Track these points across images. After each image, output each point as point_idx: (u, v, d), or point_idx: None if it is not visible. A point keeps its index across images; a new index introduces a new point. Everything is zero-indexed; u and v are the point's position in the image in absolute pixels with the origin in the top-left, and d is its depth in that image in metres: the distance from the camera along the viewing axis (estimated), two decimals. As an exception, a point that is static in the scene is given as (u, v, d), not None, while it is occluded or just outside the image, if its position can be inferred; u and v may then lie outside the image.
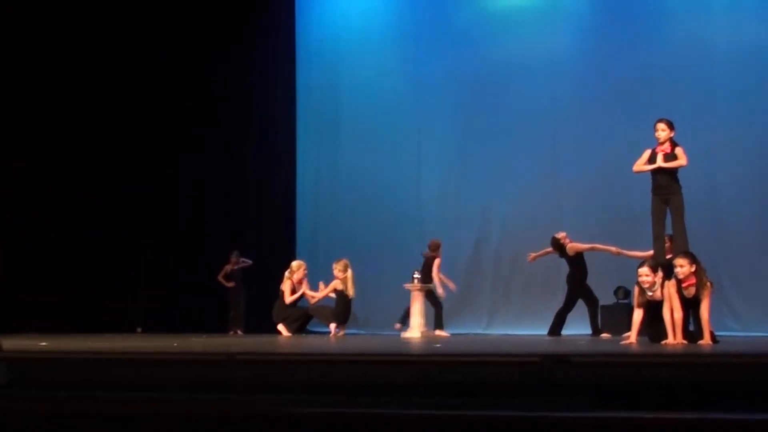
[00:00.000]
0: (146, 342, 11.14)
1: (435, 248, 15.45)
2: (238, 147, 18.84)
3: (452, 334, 15.09)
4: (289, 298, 15.32)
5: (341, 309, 15.09)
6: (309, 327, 15.95)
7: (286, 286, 15.35)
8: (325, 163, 18.62)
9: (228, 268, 17.72)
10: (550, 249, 14.69)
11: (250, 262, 17.77)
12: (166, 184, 18.69)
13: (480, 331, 16.65)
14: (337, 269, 15.05)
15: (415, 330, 14.48)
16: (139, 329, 17.55)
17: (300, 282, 15.41)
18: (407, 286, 14.74)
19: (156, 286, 18.27)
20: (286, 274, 15.46)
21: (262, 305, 16.74)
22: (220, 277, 17.71)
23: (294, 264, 15.60)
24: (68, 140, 17.82)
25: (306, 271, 15.55)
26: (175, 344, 10.00)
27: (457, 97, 17.72)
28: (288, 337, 14.64)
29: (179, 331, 15.95)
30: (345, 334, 15.01)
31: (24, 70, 17.29)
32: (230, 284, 17.69)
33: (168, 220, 18.62)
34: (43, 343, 9.73)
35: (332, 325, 15.02)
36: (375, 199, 17.79)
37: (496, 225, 17.25)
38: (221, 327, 17.23)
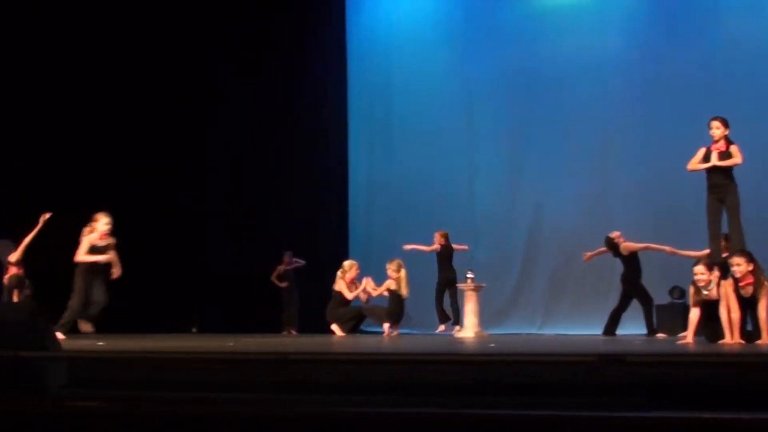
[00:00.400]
0: (202, 342, 11.19)
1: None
2: (290, 147, 18.89)
3: (505, 334, 15.04)
4: (350, 294, 15.33)
5: (395, 309, 15.08)
6: (362, 327, 15.99)
7: (339, 286, 15.37)
8: (377, 162, 18.64)
9: (281, 268, 17.79)
10: (604, 248, 14.59)
11: (302, 262, 17.82)
12: (222, 185, 18.77)
13: (534, 331, 16.59)
14: (390, 269, 15.04)
15: (469, 330, 14.46)
16: (194, 329, 17.66)
17: (352, 282, 15.43)
18: (461, 285, 14.73)
19: (210, 287, 18.35)
20: (339, 273, 15.49)
21: (315, 305, 16.79)
22: (273, 278, 17.79)
23: (346, 264, 15.62)
24: (132, 137, 17.97)
25: (358, 271, 15.56)
26: (231, 344, 10.05)
27: (508, 96, 17.67)
28: (342, 336, 14.66)
29: (233, 332, 16.01)
30: (399, 334, 15.01)
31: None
32: (283, 284, 17.77)
33: (222, 221, 18.71)
34: (101, 343, 9.80)
35: (386, 325, 15.03)
36: (427, 198, 17.77)
37: (548, 225, 17.17)
38: (275, 327, 17.29)
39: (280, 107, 18.95)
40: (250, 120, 18.97)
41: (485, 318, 15.14)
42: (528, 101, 17.43)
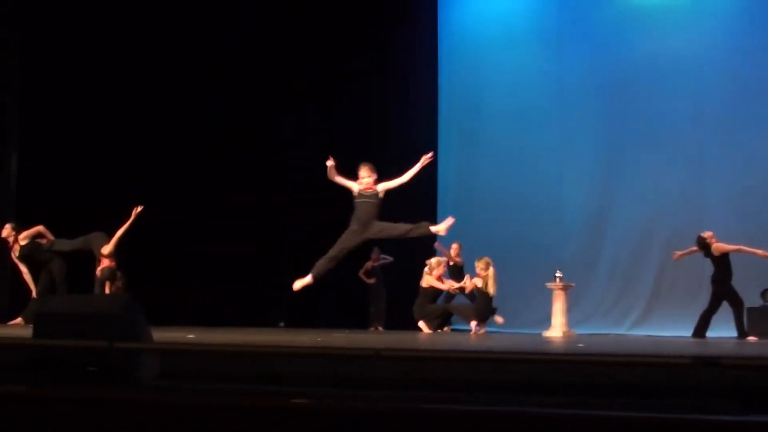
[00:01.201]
0: (291, 336, 11.27)
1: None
2: (379, 145, 18.93)
3: (593, 335, 14.93)
4: (441, 285, 15.34)
5: (482, 307, 15.03)
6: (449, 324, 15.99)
7: (426, 283, 15.38)
8: (466, 162, 18.60)
9: (369, 265, 17.81)
10: (695, 248, 14.41)
11: (390, 259, 17.83)
12: (309, 183, 18.85)
13: (622, 332, 16.44)
14: (478, 267, 15.00)
15: (557, 329, 14.38)
16: (281, 323, 17.78)
17: (439, 279, 15.42)
18: (549, 285, 14.65)
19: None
20: (425, 270, 15.51)
21: (401, 302, 16.81)
22: (361, 274, 17.82)
23: (433, 261, 15.63)
24: (215, 136, 18.17)
25: (445, 269, 15.57)
26: (319, 339, 10.10)
27: (600, 96, 17.54)
28: (429, 334, 14.66)
29: (320, 326, 16.12)
30: (486, 332, 14.96)
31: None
32: (371, 281, 17.79)
33: (310, 218, 18.79)
34: (191, 336, 9.91)
35: (473, 323, 14.99)
36: (516, 198, 17.70)
37: (637, 225, 17.01)
38: (362, 323, 17.35)
39: (371, 105, 19.00)
40: (340, 125, 19.04)
41: (572, 318, 15.05)
42: (620, 101, 17.30)
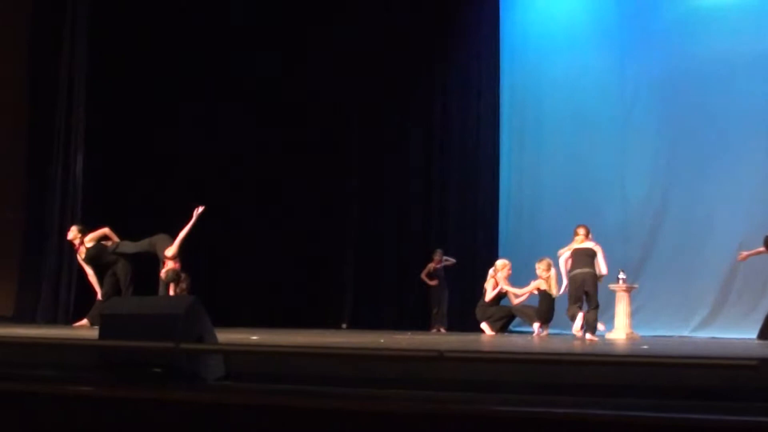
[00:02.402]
0: (354, 338, 11.29)
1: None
2: (441, 146, 18.94)
3: (657, 337, 14.82)
4: (489, 295, 15.30)
5: (545, 308, 14.95)
6: (511, 327, 15.93)
7: (489, 285, 15.35)
8: (528, 162, 18.52)
9: (431, 266, 17.76)
10: (762, 249, 14.26)
11: (453, 260, 17.79)
12: (372, 184, 18.90)
13: (686, 333, 16.27)
14: (540, 268, 14.91)
15: (620, 331, 14.26)
16: (344, 325, 17.81)
17: (504, 281, 15.37)
18: (612, 286, 14.54)
19: (361, 284, 18.52)
20: (490, 272, 15.48)
21: (463, 303, 16.79)
22: (423, 275, 17.77)
23: (498, 263, 15.59)
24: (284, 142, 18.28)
25: (510, 270, 15.52)
26: (382, 340, 10.11)
27: (664, 96, 17.35)
28: (491, 336, 14.63)
29: (382, 328, 16.15)
30: (548, 335, 14.89)
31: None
32: (433, 282, 17.73)
33: (372, 220, 18.84)
34: (255, 337, 9.97)
35: (536, 325, 14.92)
36: (578, 198, 17.56)
37: (701, 225, 16.81)
38: (423, 324, 17.34)
39: (433, 105, 19.01)
40: (404, 125, 19.05)
41: (635, 319, 14.94)
42: (685, 101, 17.08)
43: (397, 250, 18.57)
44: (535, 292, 15.12)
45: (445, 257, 17.79)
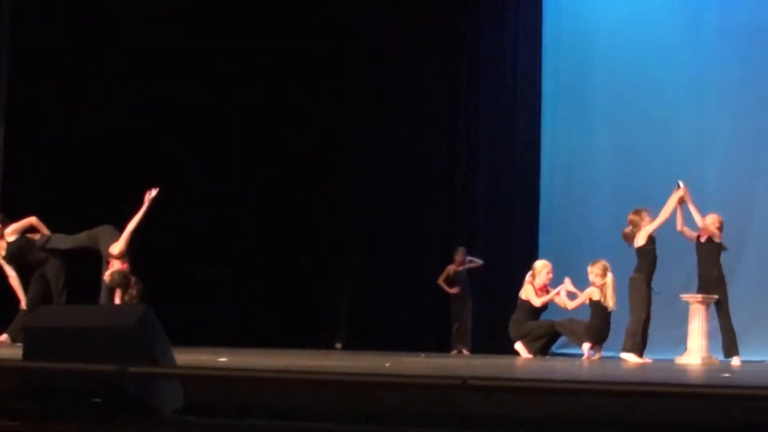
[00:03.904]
0: (350, 361, 11.31)
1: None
2: (471, 129, 19.03)
3: (742, 361, 14.84)
4: (538, 300, 15.26)
5: (598, 324, 14.95)
6: (554, 348, 15.94)
7: (526, 293, 15.30)
8: (574, 151, 18.63)
9: (451, 269, 17.65)
10: None
11: (480, 262, 17.71)
12: (376, 160, 18.95)
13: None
14: (593, 273, 14.91)
15: (695, 354, 14.19)
16: (338, 345, 17.80)
17: (544, 288, 15.35)
18: (685, 296, 14.51)
19: (360, 291, 18.51)
20: (527, 278, 15.42)
21: (493, 318, 16.80)
22: (440, 281, 17.65)
23: (537, 264, 15.55)
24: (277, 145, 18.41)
25: (551, 274, 15.46)
26: (387, 364, 10.13)
27: (739, 84, 17.56)
28: (528, 359, 14.64)
29: (388, 349, 16.15)
30: (602, 357, 14.89)
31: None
32: (453, 290, 17.66)
33: (376, 205, 18.82)
34: (223, 359, 9.99)
35: (585, 345, 14.92)
36: (633, 190, 17.59)
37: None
38: (441, 344, 17.34)
39: (459, 91, 19.16)
40: (437, 107, 19.17)
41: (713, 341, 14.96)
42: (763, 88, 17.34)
43: (408, 247, 18.55)
44: (587, 302, 15.12)
45: (469, 257, 17.76)
